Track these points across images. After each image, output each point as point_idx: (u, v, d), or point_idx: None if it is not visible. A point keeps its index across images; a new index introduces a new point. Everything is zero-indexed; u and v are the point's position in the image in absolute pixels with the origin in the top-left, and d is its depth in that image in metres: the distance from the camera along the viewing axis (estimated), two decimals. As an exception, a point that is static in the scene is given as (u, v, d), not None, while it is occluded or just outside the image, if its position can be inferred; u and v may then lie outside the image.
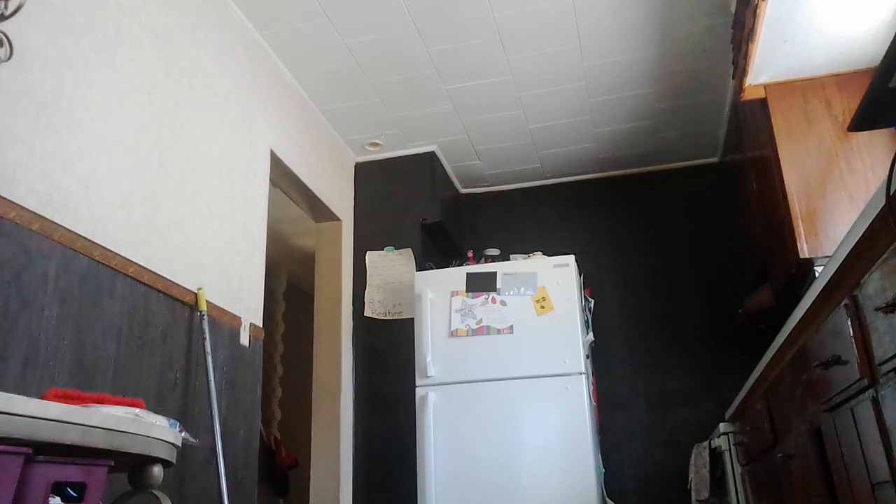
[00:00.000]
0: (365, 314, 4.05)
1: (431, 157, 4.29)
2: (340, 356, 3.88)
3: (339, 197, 4.10)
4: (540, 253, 3.97)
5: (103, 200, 2.15)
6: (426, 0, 3.05)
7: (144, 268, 2.29)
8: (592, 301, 4.05)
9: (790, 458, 1.97)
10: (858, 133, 2.57)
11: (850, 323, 1.32)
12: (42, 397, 1.19)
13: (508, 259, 3.96)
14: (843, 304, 1.36)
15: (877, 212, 1.12)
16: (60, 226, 1.95)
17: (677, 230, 4.44)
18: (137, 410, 1.37)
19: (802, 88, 2.72)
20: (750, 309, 3.47)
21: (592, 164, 4.57)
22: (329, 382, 3.84)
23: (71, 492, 1.17)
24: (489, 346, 3.51)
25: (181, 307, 2.48)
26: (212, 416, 2.45)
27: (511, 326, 3.52)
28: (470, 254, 4.28)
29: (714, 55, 3.45)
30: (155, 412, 1.47)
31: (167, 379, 2.36)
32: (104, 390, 2.03)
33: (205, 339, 2.50)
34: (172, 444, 1.43)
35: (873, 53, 2.53)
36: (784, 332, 1.85)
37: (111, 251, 2.14)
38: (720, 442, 3.10)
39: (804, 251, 2.54)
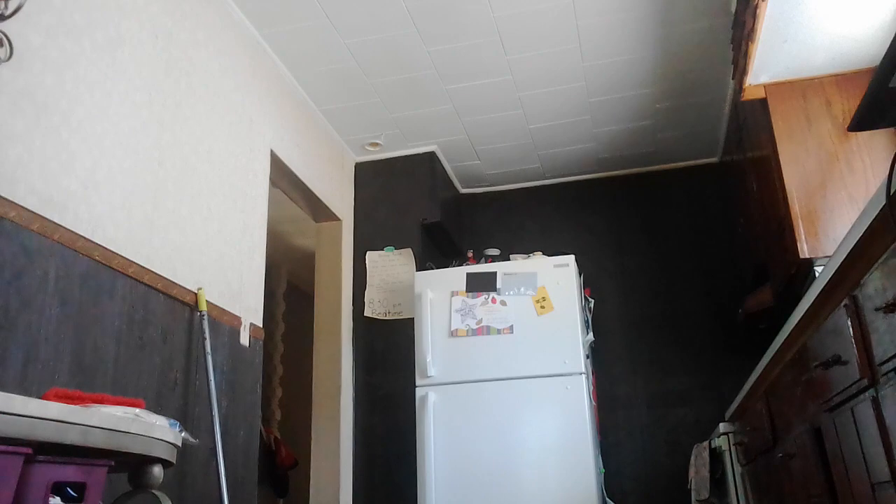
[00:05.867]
0: (365, 314, 4.05)
1: (431, 157, 4.29)
2: (340, 356, 3.88)
3: (339, 197, 4.10)
4: (540, 253, 3.97)
5: (103, 200, 2.15)
6: (426, 0, 3.05)
7: (144, 268, 2.29)
8: (592, 301, 4.05)
9: (790, 458, 1.97)
10: (858, 133, 2.57)
11: (850, 323, 1.32)
12: (42, 397, 1.19)
13: (508, 259, 3.96)
14: (843, 304, 1.36)
15: (877, 212, 1.12)
16: (60, 226, 1.95)
17: (677, 230, 4.44)
18: (137, 410, 1.37)
19: (802, 88, 2.72)
20: (750, 309, 3.47)
21: (592, 164, 4.57)
22: (329, 382, 3.84)
23: (71, 492, 1.17)
24: (489, 346, 3.51)
25: (181, 307, 2.48)
26: (212, 416, 2.45)
27: (511, 326, 3.52)
28: (470, 254, 4.28)
29: (714, 55, 3.45)
30: (155, 412, 1.47)
31: (167, 379, 2.36)
32: (104, 390, 2.03)
33: (205, 339, 2.50)
34: (172, 444, 1.43)
35: (873, 53, 2.53)
36: (784, 332, 1.85)
37: (111, 251, 2.14)
38: (720, 442, 3.10)
39: (804, 251, 2.54)
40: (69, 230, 1.98)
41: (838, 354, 1.40)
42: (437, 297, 3.65)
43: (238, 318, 2.82)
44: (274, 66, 3.40)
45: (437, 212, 4.19)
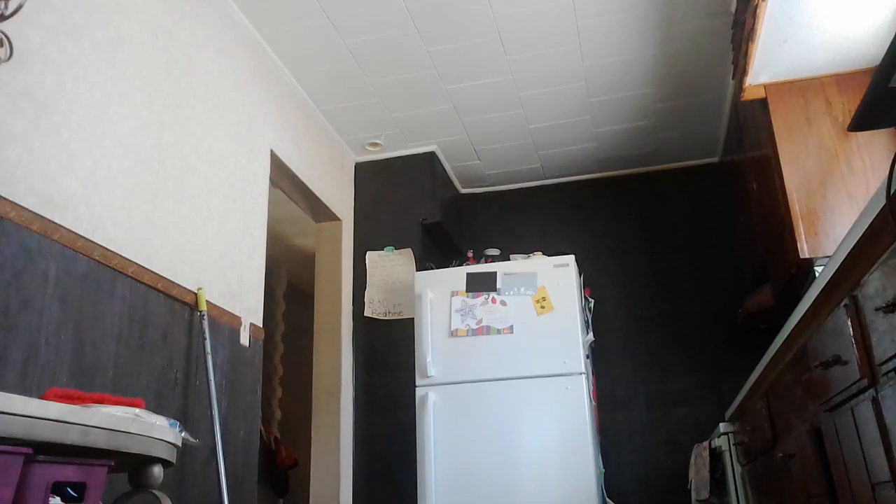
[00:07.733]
0: (365, 314, 4.05)
1: (431, 157, 4.29)
2: (340, 356, 3.88)
3: (339, 197, 4.10)
4: (540, 253, 3.97)
5: (103, 200, 2.15)
6: (426, 0, 3.05)
7: (144, 268, 2.29)
8: (592, 301, 4.05)
9: (790, 458, 1.97)
10: (858, 133, 2.57)
11: (850, 323, 1.32)
12: (42, 397, 1.19)
13: (508, 259, 3.96)
14: (843, 304, 1.36)
15: (877, 212, 1.12)
16: (60, 226, 1.95)
17: (677, 230, 4.44)
18: (137, 410, 1.37)
19: (802, 88, 2.72)
20: (750, 309, 3.47)
21: (592, 164, 4.57)
22: (329, 382, 3.84)
23: (71, 492, 1.17)
24: (489, 346, 3.51)
25: (181, 307, 2.48)
26: (212, 416, 2.45)
27: (511, 326, 3.52)
28: (470, 254, 4.28)
29: (714, 55, 3.45)
30: (155, 412, 1.47)
31: (167, 379, 2.36)
32: (104, 390, 2.03)
33: (205, 339, 2.50)
34: (172, 444, 1.43)
35: (873, 53, 2.53)
36: (784, 332, 1.85)
37: (111, 251, 2.14)
38: (720, 442, 3.10)
39: (804, 251, 2.54)
40: (69, 230, 1.98)
41: (838, 354, 1.40)
42: (437, 297, 3.65)
43: (238, 318, 2.82)
44: (274, 66, 3.40)
45: (437, 212, 4.19)
